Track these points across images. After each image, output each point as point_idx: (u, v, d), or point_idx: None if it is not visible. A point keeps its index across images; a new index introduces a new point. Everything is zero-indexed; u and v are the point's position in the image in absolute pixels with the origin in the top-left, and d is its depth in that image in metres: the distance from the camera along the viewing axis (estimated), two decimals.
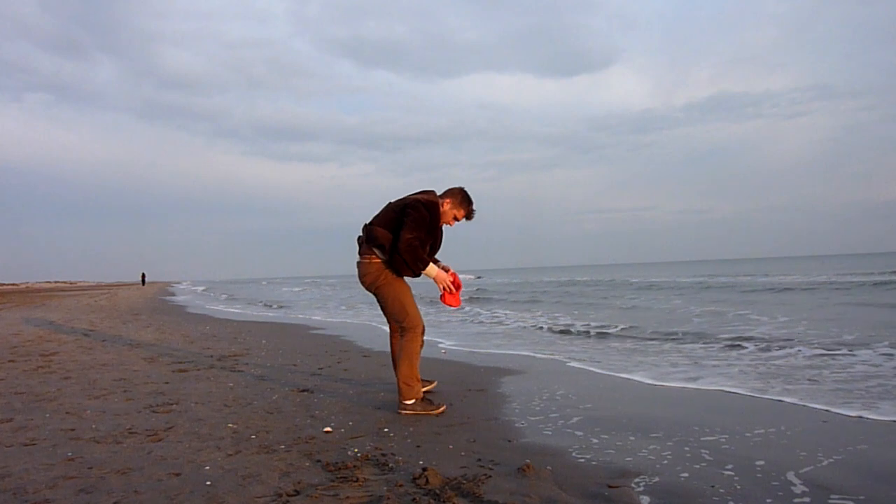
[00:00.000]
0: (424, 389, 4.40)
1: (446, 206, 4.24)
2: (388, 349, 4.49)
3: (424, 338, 4.39)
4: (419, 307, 4.34)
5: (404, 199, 4.14)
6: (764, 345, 7.16)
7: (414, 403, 4.05)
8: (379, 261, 4.10)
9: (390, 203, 4.18)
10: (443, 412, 4.03)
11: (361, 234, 4.19)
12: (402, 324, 4.18)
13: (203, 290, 41.55)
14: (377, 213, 4.19)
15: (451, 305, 4.35)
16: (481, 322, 11.88)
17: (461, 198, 4.26)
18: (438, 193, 4.28)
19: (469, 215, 4.33)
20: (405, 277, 4.25)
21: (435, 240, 4.27)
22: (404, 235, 3.98)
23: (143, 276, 71.01)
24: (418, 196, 4.14)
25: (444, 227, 4.35)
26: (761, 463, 2.91)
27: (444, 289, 4.26)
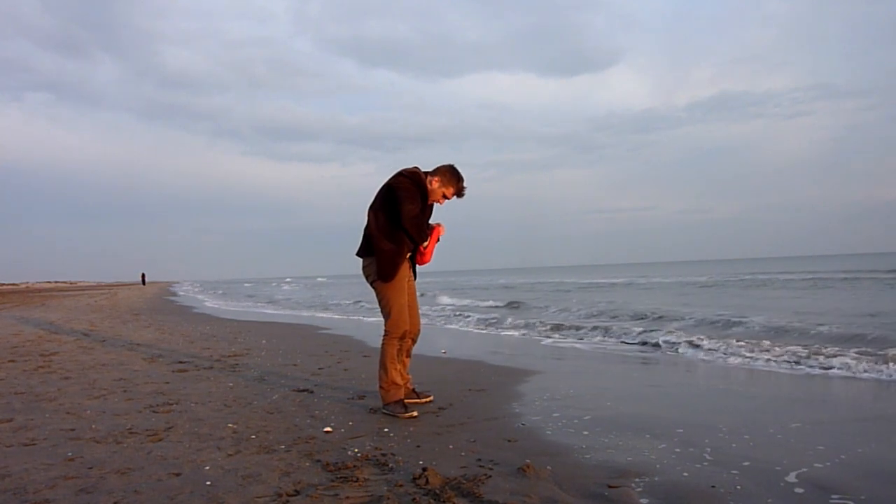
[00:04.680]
0: (412, 401, 4.23)
1: (434, 185, 4.10)
2: None
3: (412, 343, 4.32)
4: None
5: (387, 182, 4.06)
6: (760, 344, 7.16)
7: (389, 406, 4.03)
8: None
9: (373, 203, 4.10)
10: (411, 417, 3.92)
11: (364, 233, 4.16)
12: (385, 324, 4.15)
13: (203, 290, 41.54)
14: (368, 213, 4.12)
15: (421, 263, 4.25)
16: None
17: (450, 175, 4.10)
18: (424, 171, 4.15)
19: (459, 192, 4.17)
20: (408, 274, 4.18)
21: (425, 217, 4.14)
22: (404, 208, 3.91)
23: (143, 276, 71.05)
24: (401, 171, 4.07)
25: (436, 207, 4.23)
26: (762, 463, 2.91)
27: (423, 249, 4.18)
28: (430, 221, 4.26)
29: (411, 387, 4.35)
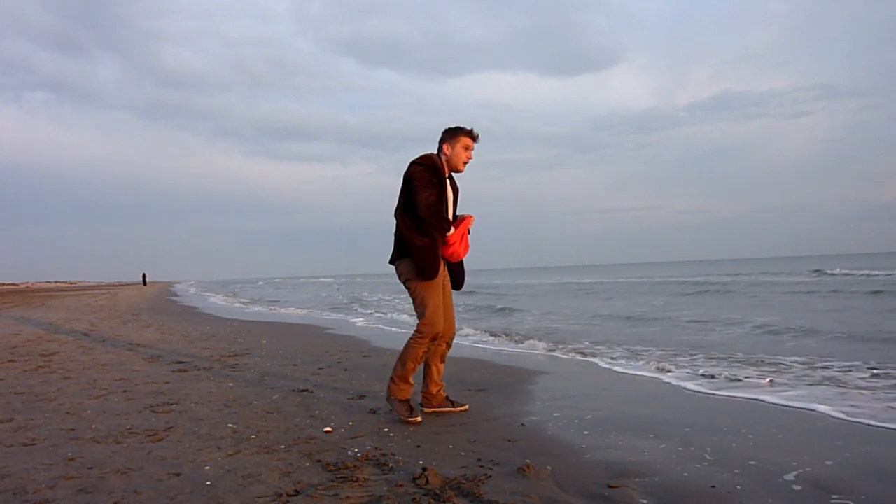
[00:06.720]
0: (446, 410, 4.07)
1: (448, 152, 3.91)
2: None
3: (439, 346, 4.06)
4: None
5: (402, 177, 3.90)
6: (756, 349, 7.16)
7: (394, 401, 3.89)
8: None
9: (397, 205, 3.93)
10: (415, 422, 3.79)
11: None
12: (418, 323, 3.92)
13: (204, 291, 41.54)
14: (395, 217, 3.94)
15: (452, 259, 3.96)
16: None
17: (451, 132, 3.91)
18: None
19: (473, 138, 3.93)
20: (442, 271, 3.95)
21: (446, 196, 3.91)
22: (419, 198, 3.71)
23: (144, 276, 71.11)
24: (412, 160, 3.88)
25: (458, 178, 4.03)
26: (762, 463, 2.91)
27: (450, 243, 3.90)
28: (459, 213, 4.03)
29: (444, 394, 4.15)
